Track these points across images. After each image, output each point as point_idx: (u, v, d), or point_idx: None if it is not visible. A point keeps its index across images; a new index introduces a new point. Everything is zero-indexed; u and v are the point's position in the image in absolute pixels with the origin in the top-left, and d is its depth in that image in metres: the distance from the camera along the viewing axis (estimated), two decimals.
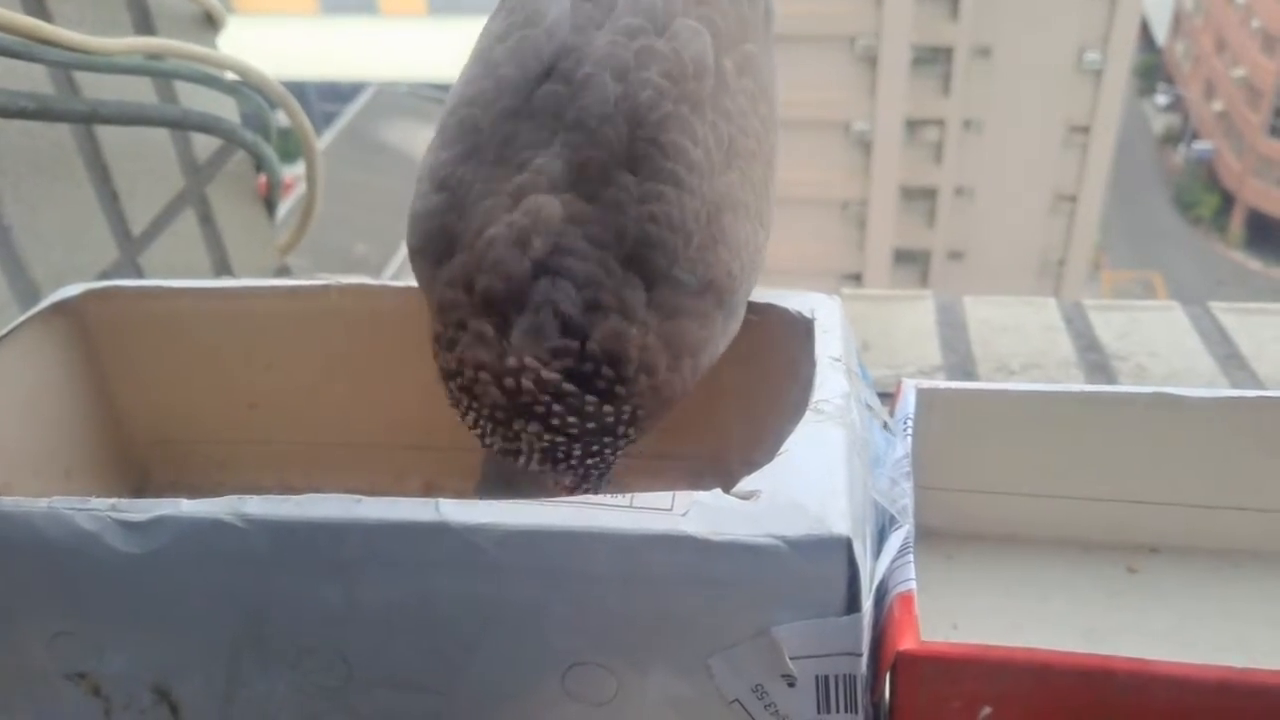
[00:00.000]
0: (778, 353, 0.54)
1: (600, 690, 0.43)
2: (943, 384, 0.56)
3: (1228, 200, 15.17)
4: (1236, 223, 14.88)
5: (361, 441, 0.64)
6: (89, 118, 0.75)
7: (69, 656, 0.46)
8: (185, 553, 0.42)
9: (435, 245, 0.48)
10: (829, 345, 0.51)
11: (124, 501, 0.43)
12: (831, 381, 0.48)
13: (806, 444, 0.44)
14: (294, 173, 1.27)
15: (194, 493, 0.64)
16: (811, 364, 0.50)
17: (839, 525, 0.40)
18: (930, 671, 0.41)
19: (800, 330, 0.53)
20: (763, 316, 0.55)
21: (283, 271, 1.06)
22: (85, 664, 0.46)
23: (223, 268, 0.97)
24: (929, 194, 11.99)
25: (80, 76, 0.78)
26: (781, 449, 0.44)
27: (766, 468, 0.43)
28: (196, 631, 0.45)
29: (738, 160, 0.49)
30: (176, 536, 0.42)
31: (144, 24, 0.86)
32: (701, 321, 0.48)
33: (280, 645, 0.44)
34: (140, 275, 0.87)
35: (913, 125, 11.52)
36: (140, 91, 0.86)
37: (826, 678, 0.41)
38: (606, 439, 0.47)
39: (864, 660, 0.41)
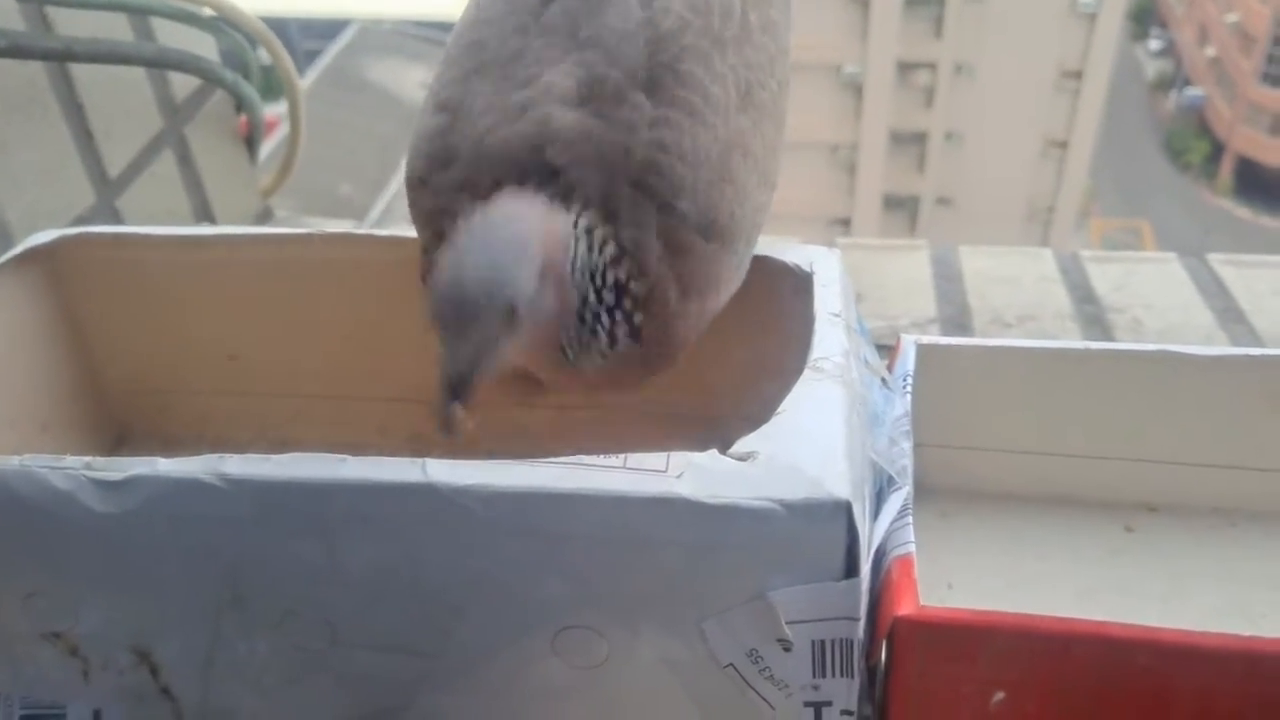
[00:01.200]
0: (776, 306, 0.53)
1: (591, 653, 0.42)
2: (942, 340, 0.55)
3: (1217, 147, 15.12)
4: (1225, 170, 14.84)
5: (345, 394, 0.62)
6: (62, 55, 0.73)
7: (44, 616, 0.45)
8: (162, 513, 0.41)
9: (436, 166, 0.48)
10: (828, 300, 0.49)
11: (99, 460, 0.42)
12: (831, 338, 0.47)
13: (805, 404, 0.43)
14: (276, 112, 1.24)
15: (173, 444, 0.63)
16: (810, 319, 0.49)
17: (838, 489, 0.39)
18: (928, 637, 0.41)
19: (800, 284, 0.52)
20: (761, 268, 0.54)
21: (265, 215, 1.04)
22: (60, 623, 0.45)
23: (203, 211, 0.95)
24: (919, 139, 11.92)
25: (54, 13, 0.76)
26: (780, 409, 0.42)
27: (764, 428, 0.42)
28: (175, 592, 0.43)
29: (752, 109, 0.49)
30: (153, 496, 0.41)
31: None
32: (707, 262, 0.47)
33: (262, 607, 0.43)
34: (118, 218, 0.84)
35: (904, 69, 11.41)
36: (116, 29, 0.83)
37: (823, 642, 0.40)
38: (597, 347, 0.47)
39: (861, 625, 0.41)
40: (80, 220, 0.80)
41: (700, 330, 0.49)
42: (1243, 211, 14.46)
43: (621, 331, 0.47)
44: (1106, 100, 11.90)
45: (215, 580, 0.43)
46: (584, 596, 0.41)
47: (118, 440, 0.64)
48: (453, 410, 0.43)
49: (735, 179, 0.47)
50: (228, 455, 0.41)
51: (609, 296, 0.46)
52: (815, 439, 0.41)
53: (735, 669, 0.41)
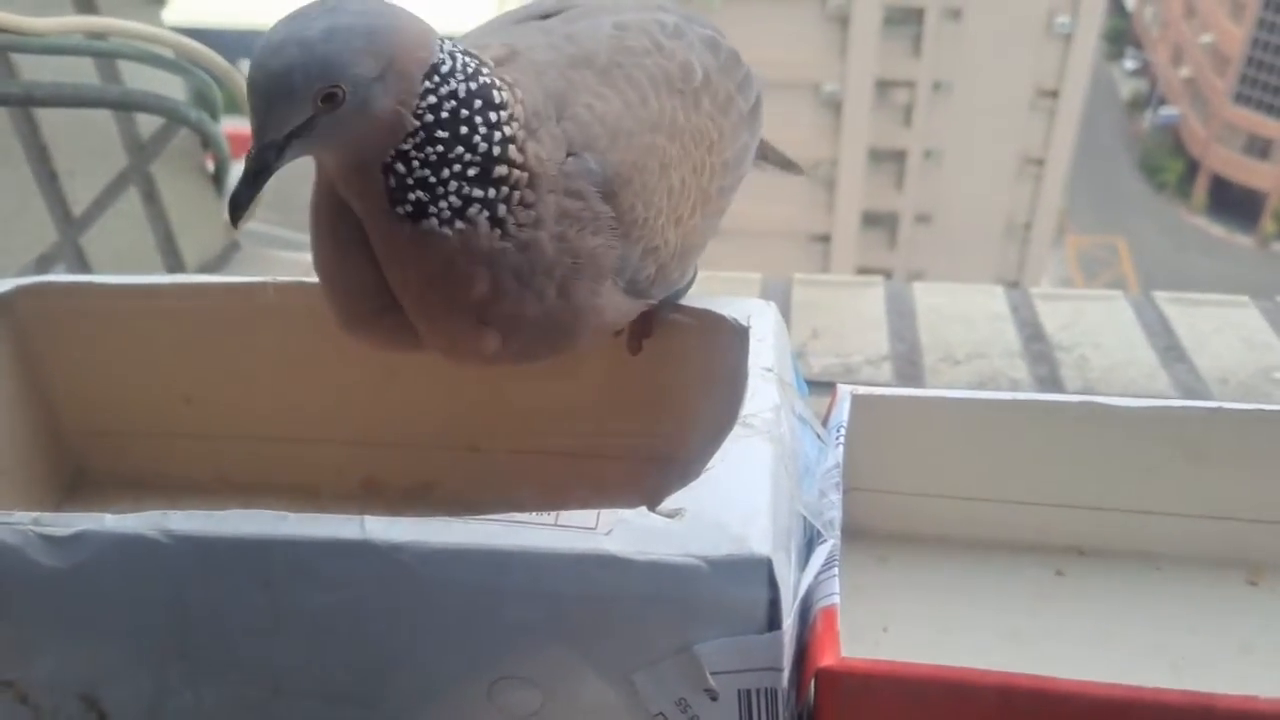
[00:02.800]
0: (714, 359, 0.54)
1: (526, 703, 0.43)
2: (877, 390, 0.57)
3: (1192, 166, 15.29)
4: (1200, 189, 15.01)
5: (301, 437, 0.64)
6: (24, 101, 0.74)
7: None
8: (109, 566, 0.42)
9: None
10: (762, 355, 0.51)
11: (46, 515, 0.43)
12: (762, 393, 0.48)
13: (733, 460, 0.44)
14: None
15: (131, 486, 0.65)
16: (744, 373, 0.50)
17: (760, 545, 0.40)
18: (850, 687, 0.42)
19: (736, 338, 0.53)
20: (700, 322, 0.56)
21: (231, 248, 1.05)
22: (12, 672, 0.46)
23: (168, 246, 0.96)
24: (898, 156, 11.99)
25: (19, 56, 0.77)
26: (708, 465, 0.44)
27: (692, 485, 0.43)
28: (122, 642, 0.45)
29: (687, 155, 0.51)
30: (100, 550, 0.42)
31: (84, 1, 0.84)
32: (598, 233, 0.47)
33: (207, 657, 0.44)
34: (81, 256, 0.86)
35: (883, 87, 11.49)
36: (82, 69, 0.84)
37: (749, 692, 0.42)
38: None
39: (786, 675, 0.42)
40: (44, 259, 0.81)
41: (566, 317, 0.48)
42: (1217, 230, 14.62)
43: (476, 208, 0.44)
44: (1082, 119, 12.02)
45: (161, 631, 0.44)
46: (518, 649, 0.42)
47: (75, 483, 0.65)
48: (244, 191, 0.42)
49: (646, 181, 0.49)
50: (171, 511, 0.42)
51: (478, 142, 0.44)
52: (740, 496, 0.42)
53: (665, 717, 0.43)
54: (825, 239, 11.93)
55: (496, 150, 0.44)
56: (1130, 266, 13.78)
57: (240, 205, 0.43)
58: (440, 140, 0.43)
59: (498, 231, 0.45)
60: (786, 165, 0.72)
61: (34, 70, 0.78)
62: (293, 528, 0.42)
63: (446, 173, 0.44)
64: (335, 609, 0.43)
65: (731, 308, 0.55)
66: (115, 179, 0.89)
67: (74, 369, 0.62)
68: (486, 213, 0.44)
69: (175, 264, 0.97)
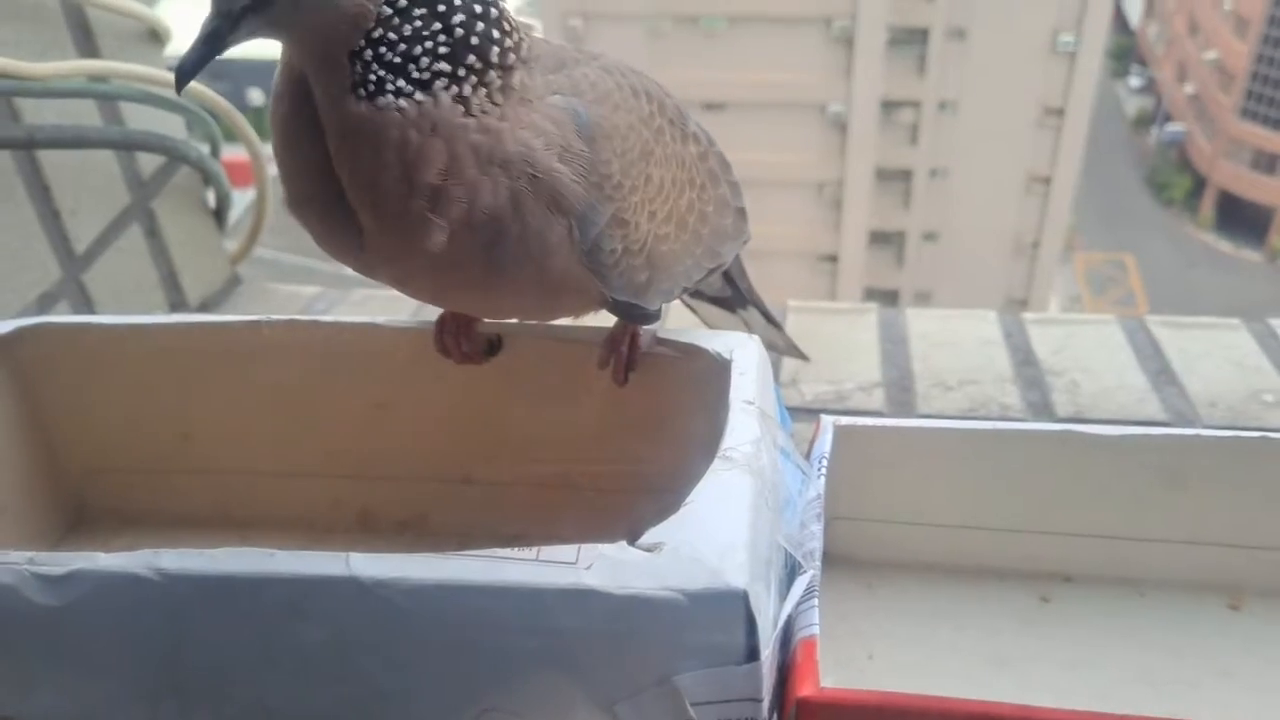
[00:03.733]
0: (697, 391, 0.55)
1: None
2: (860, 421, 0.57)
3: (1199, 182, 15.28)
4: (1207, 205, 15.00)
5: (297, 471, 0.65)
6: (26, 144, 0.75)
7: None
8: (103, 605, 0.43)
9: None
10: (743, 388, 0.52)
11: (42, 555, 0.44)
12: (742, 427, 0.49)
13: (712, 494, 0.45)
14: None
15: (131, 522, 0.66)
16: (726, 406, 0.51)
17: (737, 579, 0.41)
18: (829, 717, 0.43)
19: (719, 371, 0.54)
20: (684, 354, 0.57)
21: (232, 282, 1.06)
22: (10, 707, 0.47)
23: (171, 282, 0.98)
24: (904, 175, 12.01)
25: (22, 99, 0.78)
26: (688, 499, 0.45)
27: (672, 519, 0.44)
28: (117, 678, 0.45)
29: (668, 165, 0.54)
30: (94, 589, 0.43)
31: (86, 43, 0.86)
32: (566, 162, 0.48)
33: (200, 692, 0.45)
34: (84, 293, 0.87)
35: (888, 107, 11.52)
36: (85, 111, 0.86)
37: None
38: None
39: (765, 705, 0.43)
40: (46, 297, 0.83)
41: (519, 224, 0.48)
42: (1225, 245, 14.60)
43: (442, 82, 0.45)
44: (1088, 136, 12.03)
45: (155, 667, 0.45)
46: (502, 681, 0.43)
47: (76, 520, 0.66)
48: (191, 57, 0.42)
49: (630, 145, 0.51)
50: (163, 550, 0.43)
51: (454, 20, 0.45)
52: (718, 529, 0.43)
53: None
54: (832, 259, 11.94)
55: (476, 39, 0.46)
56: (1139, 283, 13.77)
57: (186, 73, 0.43)
58: (415, 18, 0.45)
59: (460, 107, 0.46)
60: (792, 350, 0.77)
61: (36, 112, 0.80)
62: (281, 565, 0.43)
63: (419, 49, 0.45)
64: (324, 644, 0.43)
65: (715, 341, 0.56)
66: (117, 216, 0.91)
67: (74, 407, 0.63)
68: (454, 88, 0.45)
69: (178, 299, 0.98)
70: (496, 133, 0.46)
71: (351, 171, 0.46)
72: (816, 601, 0.46)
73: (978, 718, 0.42)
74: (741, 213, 0.62)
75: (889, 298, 12.17)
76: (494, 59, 0.46)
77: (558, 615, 0.41)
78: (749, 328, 0.71)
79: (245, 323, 0.60)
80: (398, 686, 0.44)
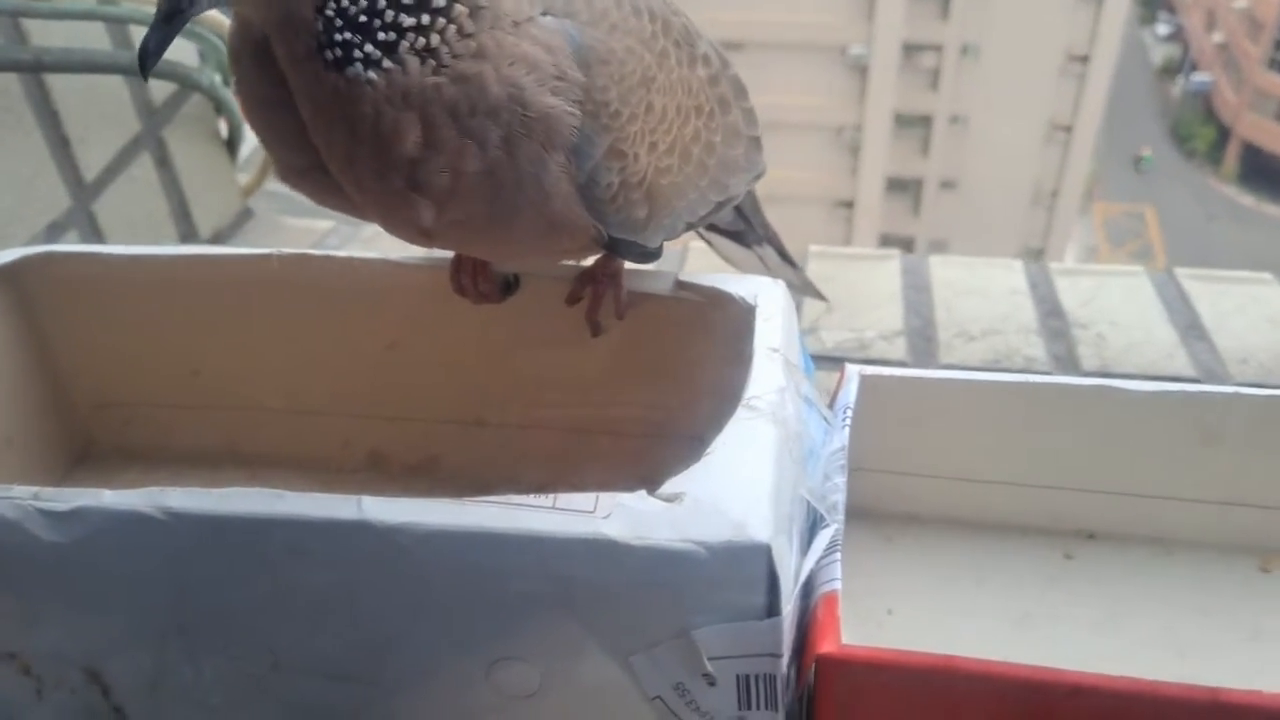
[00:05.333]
0: (720, 337, 0.54)
1: (524, 683, 0.43)
2: (885, 370, 0.56)
3: (1223, 134, 15.06)
4: (1231, 157, 14.79)
5: (308, 409, 0.63)
6: (34, 67, 0.73)
7: None
8: (108, 543, 0.42)
9: None
10: (768, 335, 0.50)
11: (46, 491, 0.43)
12: (767, 374, 0.48)
13: (735, 444, 0.44)
14: None
15: (137, 457, 0.65)
16: (750, 353, 0.50)
17: (760, 532, 0.40)
18: (850, 674, 0.42)
19: (743, 316, 0.52)
20: (707, 299, 0.55)
21: (244, 216, 1.05)
22: (13, 644, 0.46)
23: (181, 213, 0.96)
24: (924, 121, 11.87)
25: (29, 21, 0.76)
26: (709, 449, 0.43)
27: (693, 468, 0.43)
28: (122, 617, 0.45)
29: (672, 92, 0.51)
30: (99, 527, 0.42)
31: None
32: (559, 93, 0.45)
33: (206, 633, 0.44)
34: (93, 222, 0.86)
35: (910, 50, 11.35)
36: (93, 35, 0.83)
37: (747, 677, 0.42)
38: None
39: (785, 660, 0.42)
40: (55, 225, 0.81)
41: (512, 171, 0.45)
42: (1247, 198, 14.42)
43: (408, 40, 0.42)
44: (1112, 85, 11.85)
45: (161, 607, 0.44)
46: (516, 630, 0.42)
47: (83, 454, 0.65)
48: (153, 37, 0.41)
49: (629, 70, 0.47)
50: (170, 489, 0.42)
51: None
52: (741, 481, 0.42)
53: (662, 700, 0.42)
54: (849, 205, 11.85)
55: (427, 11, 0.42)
56: (1158, 235, 13.63)
57: (150, 53, 0.41)
58: None
59: (431, 64, 0.42)
60: (809, 289, 0.74)
61: (44, 36, 0.78)
62: (291, 507, 0.41)
63: (382, 2, 0.42)
64: (333, 587, 0.42)
65: (739, 285, 0.54)
66: (127, 145, 0.89)
67: (81, 340, 0.62)
68: (421, 40, 0.42)
69: (188, 230, 0.97)
70: (478, 78, 0.43)
71: (327, 145, 0.44)
72: (839, 556, 0.45)
73: (1003, 680, 0.41)
74: (755, 142, 0.59)
75: (904, 245, 12.08)
76: None
77: (574, 565, 0.40)
78: (764, 264, 0.69)
79: (256, 255, 0.59)
80: (408, 633, 0.43)
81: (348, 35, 0.42)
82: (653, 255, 0.54)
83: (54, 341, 0.62)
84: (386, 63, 0.42)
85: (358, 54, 0.42)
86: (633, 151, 0.48)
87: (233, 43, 0.45)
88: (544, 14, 0.45)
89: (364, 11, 0.42)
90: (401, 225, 0.47)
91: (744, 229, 0.66)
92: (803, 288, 0.74)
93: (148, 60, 0.41)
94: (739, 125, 0.56)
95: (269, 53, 0.43)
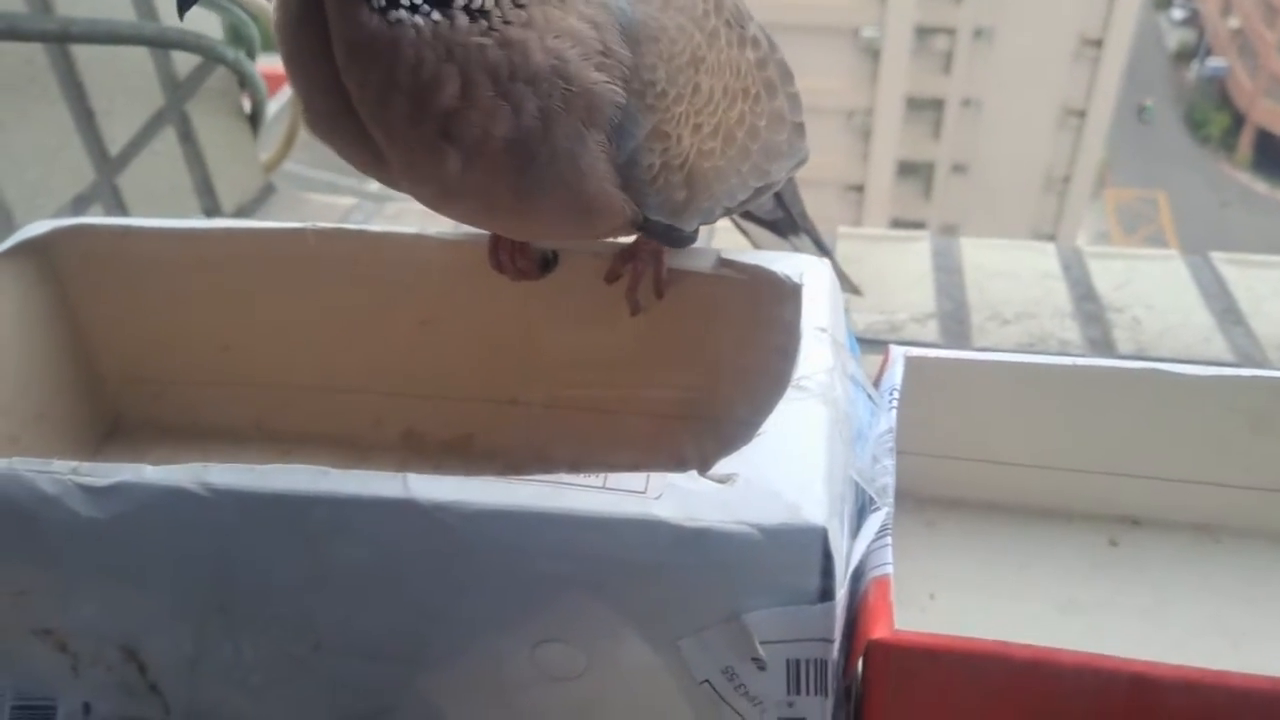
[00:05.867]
0: (763, 316, 0.53)
1: (569, 666, 0.43)
2: (931, 352, 0.55)
3: (1237, 120, 14.95)
4: (1245, 143, 14.69)
5: (339, 387, 0.63)
6: (60, 37, 0.72)
7: (34, 613, 0.45)
8: (148, 519, 0.42)
9: None
10: (815, 314, 0.49)
11: (85, 465, 0.42)
12: (816, 354, 0.47)
13: (786, 424, 0.43)
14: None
15: (167, 433, 0.64)
16: (798, 333, 0.49)
17: (815, 515, 0.39)
18: (902, 660, 0.41)
19: (788, 295, 0.51)
20: (750, 277, 0.54)
21: (267, 190, 1.04)
22: (50, 621, 0.46)
23: (204, 187, 0.95)
24: (936, 105, 11.80)
25: None
26: (761, 429, 0.43)
27: (744, 449, 0.42)
28: (161, 594, 0.44)
29: (720, 73, 0.50)
30: (139, 503, 0.41)
31: None
32: (603, 69, 0.44)
33: (247, 611, 0.44)
34: (118, 196, 0.85)
35: (923, 33, 11.28)
36: (117, 7, 0.82)
37: (798, 662, 0.41)
38: None
39: (836, 646, 0.41)
40: (80, 199, 0.81)
41: (546, 144, 0.43)
42: (1261, 185, 14.32)
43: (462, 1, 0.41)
44: (1126, 70, 11.76)
45: (201, 584, 0.43)
46: (562, 611, 0.41)
47: (112, 429, 0.65)
48: None
49: (678, 49, 0.46)
50: (212, 465, 0.41)
51: None
52: (794, 461, 0.41)
53: (711, 685, 0.42)
54: (859, 189, 11.79)
55: None
56: (1170, 222, 13.56)
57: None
58: None
59: (482, 23, 0.41)
60: (844, 282, 0.70)
61: (70, 6, 0.77)
62: (334, 484, 0.41)
63: None
64: (376, 566, 0.42)
65: (783, 263, 0.53)
66: (152, 118, 0.88)
67: (111, 313, 0.61)
68: (476, 0, 0.41)
69: (211, 205, 0.96)
70: (522, 45, 0.42)
71: (361, 87, 0.43)
72: (890, 540, 0.44)
73: (1059, 667, 0.40)
74: (799, 128, 0.58)
75: (915, 229, 12.05)
76: None
77: (623, 546, 0.39)
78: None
79: (290, 230, 0.58)
80: (451, 613, 0.42)
81: None
82: (688, 240, 0.53)
83: (84, 316, 0.61)
84: (436, 15, 0.41)
85: (405, 1, 0.41)
86: (676, 133, 0.47)
87: None
88: None
89: None
90: (425, 180, 0.45)
91: (781, 217, 0.65)
92: (839, 279, 0.73)
93: (184, 6, 0.40)
94: (784, 110, 0.55)
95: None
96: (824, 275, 0.52)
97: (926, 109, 11.78)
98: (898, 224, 11.67)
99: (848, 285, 0.74)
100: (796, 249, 0.68)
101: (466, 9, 0.41)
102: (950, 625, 0.51)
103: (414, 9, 0.41)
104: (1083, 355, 0.79)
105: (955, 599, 0.54)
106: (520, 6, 0.42)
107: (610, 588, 0.41)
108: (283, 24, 0.44)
